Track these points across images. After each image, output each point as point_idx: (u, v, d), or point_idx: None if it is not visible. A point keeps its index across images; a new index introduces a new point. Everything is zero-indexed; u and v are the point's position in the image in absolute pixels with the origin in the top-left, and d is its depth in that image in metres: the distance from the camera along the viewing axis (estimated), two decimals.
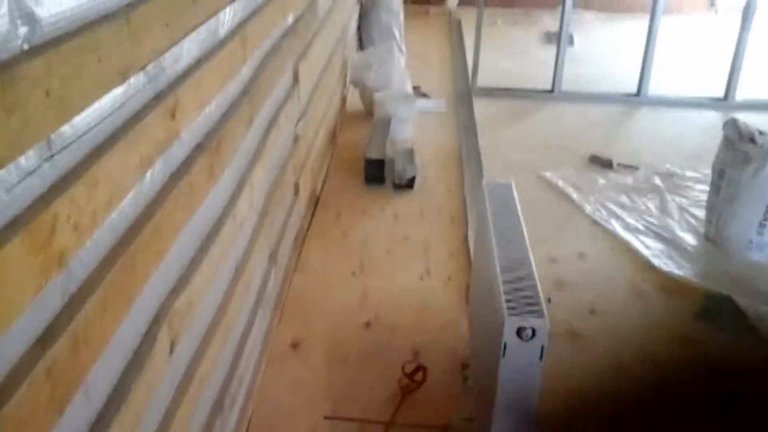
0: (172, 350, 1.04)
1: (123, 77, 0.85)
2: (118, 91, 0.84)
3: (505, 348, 1.17)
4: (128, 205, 0.88)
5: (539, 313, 1.17)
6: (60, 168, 0.72)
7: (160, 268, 1.00)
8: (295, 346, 1.81)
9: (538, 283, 1.25)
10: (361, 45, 4.09)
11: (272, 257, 1.81)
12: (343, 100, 3.53)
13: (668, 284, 2.12)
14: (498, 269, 1.30)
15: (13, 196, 0.63)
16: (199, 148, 1.17)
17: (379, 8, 4.03)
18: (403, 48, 4.09)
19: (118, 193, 0.85)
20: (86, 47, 0.74)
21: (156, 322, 0.99)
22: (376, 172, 2.73)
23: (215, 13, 1.25)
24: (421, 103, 3.52)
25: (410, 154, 2.88)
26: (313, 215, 2.49)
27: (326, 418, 1.58)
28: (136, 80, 0.90)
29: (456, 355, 1.76)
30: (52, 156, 0.70)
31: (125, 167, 0.87)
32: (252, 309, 1.60)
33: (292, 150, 2.07)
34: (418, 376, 1.69)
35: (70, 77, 0.71)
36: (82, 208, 0.74)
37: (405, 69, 3.62)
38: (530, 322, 1.15)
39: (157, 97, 0.98)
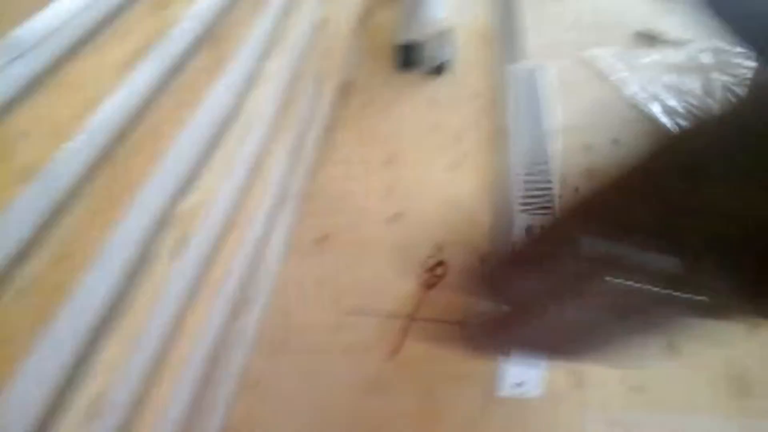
0: (178, 255, 1.03)
1: None
2: None
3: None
4: (114, 107, 0.84)
5: (550, 213, 1.11)
6: (26, 72, 0.67)
7: (161, 171, 0.97)
8: (319, 241, 1.80)
9: (555, 179, 1.19)
10: None
11: (296, 150, 1.77)
12: None
13: None
14: (513, 162, 1.24)
15: None
16: (200, 41, 1.11)
17: None
18: None
19: (100, 95, 0.80)
20: None
21: (161, 225, 0.98)
22: (407, 57, 2.61)
23: None
24: None
25: (445, 36, 2.75)
26: (341, 105, 2.42)
27: (348, 313, 1.59)
28: None
29: (480, 251, 1.73)
30: (14, 59, 0.66)
31: (108, 67, 0.82)
32: (274, 204, 1.58)
33: (316, 36, 1.98)
34: (440, 271, 1.67)
35: None
36: (55, 114, 0.70)
37: None
38: (540, 221, 1.10)
39: None
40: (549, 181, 1.19)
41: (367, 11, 3.00)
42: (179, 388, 1.08)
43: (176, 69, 1.01)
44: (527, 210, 1.11)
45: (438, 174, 2.07)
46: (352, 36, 2.66)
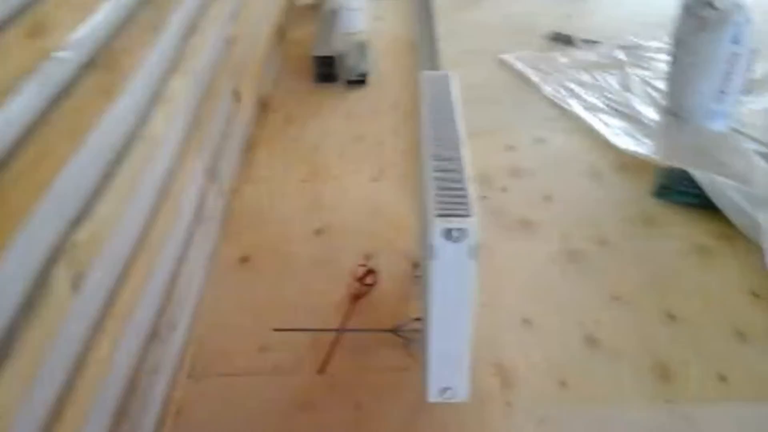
0: (76, 287, 0.99)
1: None
2: None
3: (434, 250, 1.12)
4: None
5: (468, 213, 1.11)
6: None
7: (48, 202, 0.93)
8: (243, 260, 1.77)
9: (470, 180, 1.19)
10: None
11: (210, 172, 1.74)
12: None
13: (626, 163, 2.07)
14: (429, 167, 1.24)
15: None
16: (87, 66, 1.07)
17: None
18: None
19: None
20: None
21: (51, 259, 0.93)
22: (325, 70, 2.61)
23: None
24: None
25: (362, 47, 2.75)
26: (260, 121, 2.39)
27: (276, 330, 1.56)
28: None
29: (408, 257, 1.73)
30: None
31: None
32: (188, 228, 1.54)
33: (225, 54, 1.96)
34: (370, 280, 1.66)
35: None
36: None
37: None
38: (458, 222, 1.10)
39: (15, 15, 0.88)
40: (463, 185, 1.19)
41: (283, 26, 2.98)
42: (88, 428, 1.04)
43: (61, 95, 0.97)
44: (444, 214, 1.11)
45: (361, 185, 2.06)
46: (268, 51, 2.64)
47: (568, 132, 2.27)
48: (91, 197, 1.06)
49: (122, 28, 1.20)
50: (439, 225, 1.11)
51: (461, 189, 1.18)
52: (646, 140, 2.16)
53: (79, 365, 0.99)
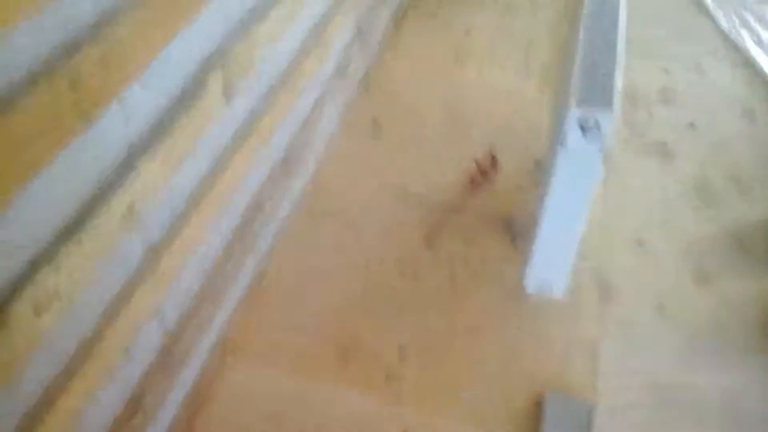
0: (228, 96, 1.06)
1: None
2: None
3: (566, 137, 1.11)
4: None
5: (607, 105, 1.09)
6: None
7: (212, 10, 0.98)
8: (374, 123, 1.81)
9: (617, 80, 1.15)
10: None
11: (360, 28, 1.76)
12: None
13: None
14: (579, 61, 1.20)
15: None
16: None
17: None
18: None
19: None
20: None
21: (209, 63, 0.99)
22: None
23: None
24: None
25: None
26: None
27: (392, 192, 1.61)
28: None
29: (534, 156, 1.71)
30: None
31: None
32: (332, 75, 1.59)
33: None
34: (491, 170, 1.67)
35: None
36: None
37: None
38: (595, 112, 1.08)
39: None
40: (610, 82, 1.15)
41: None
42: (219, 224, 1.13)
43: None
44: (582, 103, 1.08)
45: (504, 77, 2.03)
46: None
47: (730, 64, 2.13)
48: (252, 16, 1.10)
49: None
50: (576, 111, 1.10)
51: (607, 83, 1.15)
52: None
53: (219, 168, 1.08)
